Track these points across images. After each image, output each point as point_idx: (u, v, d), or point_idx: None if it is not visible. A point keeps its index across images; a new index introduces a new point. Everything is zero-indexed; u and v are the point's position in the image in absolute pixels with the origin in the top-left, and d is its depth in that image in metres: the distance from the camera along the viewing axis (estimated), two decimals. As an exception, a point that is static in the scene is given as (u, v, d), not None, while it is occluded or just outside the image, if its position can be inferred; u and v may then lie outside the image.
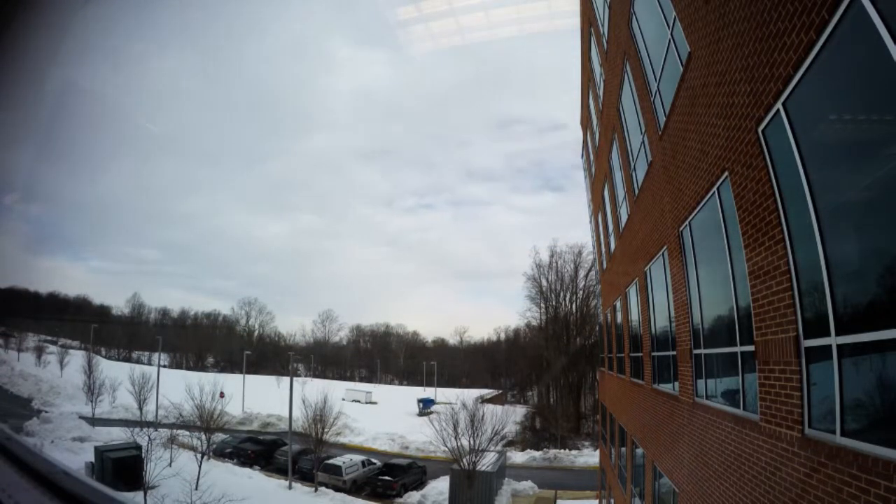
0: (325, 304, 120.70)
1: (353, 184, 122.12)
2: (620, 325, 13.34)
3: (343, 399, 49.31)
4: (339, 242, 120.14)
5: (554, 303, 62.17)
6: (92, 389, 39.43)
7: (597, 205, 16.94)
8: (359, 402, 58.97)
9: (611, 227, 14.29)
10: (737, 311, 4.96)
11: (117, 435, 29.47)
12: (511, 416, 38.84)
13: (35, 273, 73.89)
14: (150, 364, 61.38)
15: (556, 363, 58.09)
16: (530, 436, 46.48)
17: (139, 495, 20.22)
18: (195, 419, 28.62)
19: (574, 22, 16.65)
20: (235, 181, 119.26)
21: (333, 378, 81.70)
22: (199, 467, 23.79)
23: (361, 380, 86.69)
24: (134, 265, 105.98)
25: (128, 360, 74.79)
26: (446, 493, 25.32)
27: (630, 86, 9.17)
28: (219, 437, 31.29)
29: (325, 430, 28.68)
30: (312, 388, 38.80)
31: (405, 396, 64.11)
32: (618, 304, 13.52)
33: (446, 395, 54.98)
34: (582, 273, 59.77)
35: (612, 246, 14.38)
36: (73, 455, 25.91)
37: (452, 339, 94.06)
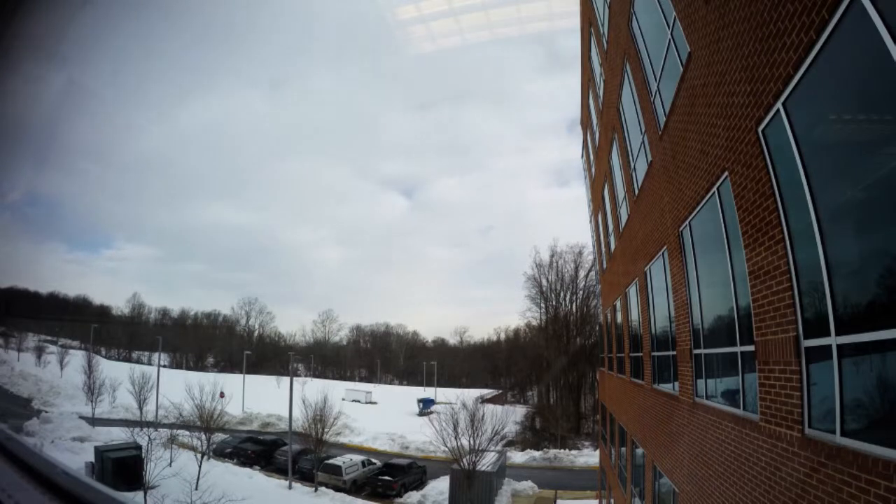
0: (325, 304, 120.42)
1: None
2: (620, 325, 13.34)
3: (343, 399, 49.33)
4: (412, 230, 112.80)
5: (554, 303, 62.28)
6: (92, 389, 39.34)
7: (597, 205, 16.94)
8: (359, 402, 58.97)
9: (611, 227, 14.29)
10: (737, 311, 4.96)
11: (117, 435, 29.41)
12: (511, 416, 38.78)
13: (40, 269, 73.71)
14: (150, 364, 61.39)
15: (556, 363, 58.09)
16: (530, 436, 46.46)
17: (139, 495, 20.19)
18: (195, 419, 28.60)
19: (574, 22, 16.67)
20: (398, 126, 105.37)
21: (333, 378, 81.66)
22: (199, 467, 23.75)
23: (361, 380, 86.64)
24: (157, 252, 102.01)
25: (128, 360, 74.72)
26: (446, 493, 25.29)
27: (630, 86, 9.16)
28: (219, 437, 31.25)
29: (325, 430, 28.66)
30: (312, 388, 38.84)
31: (405, 396, 64.09)
32: (618, 304, 13.52)
33: (446, 395, 54.92)
34: (582, 273, 59.87)
35: (612, 246, 14.37)
36: (73, 455, 25.86)
37: (452, 339, 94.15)
